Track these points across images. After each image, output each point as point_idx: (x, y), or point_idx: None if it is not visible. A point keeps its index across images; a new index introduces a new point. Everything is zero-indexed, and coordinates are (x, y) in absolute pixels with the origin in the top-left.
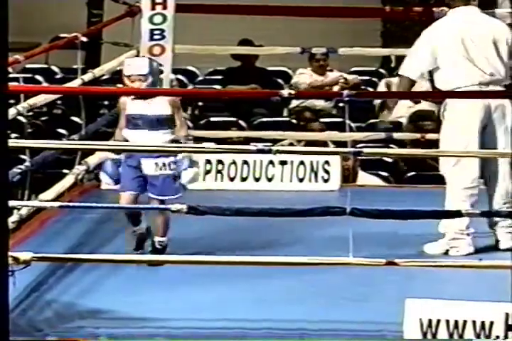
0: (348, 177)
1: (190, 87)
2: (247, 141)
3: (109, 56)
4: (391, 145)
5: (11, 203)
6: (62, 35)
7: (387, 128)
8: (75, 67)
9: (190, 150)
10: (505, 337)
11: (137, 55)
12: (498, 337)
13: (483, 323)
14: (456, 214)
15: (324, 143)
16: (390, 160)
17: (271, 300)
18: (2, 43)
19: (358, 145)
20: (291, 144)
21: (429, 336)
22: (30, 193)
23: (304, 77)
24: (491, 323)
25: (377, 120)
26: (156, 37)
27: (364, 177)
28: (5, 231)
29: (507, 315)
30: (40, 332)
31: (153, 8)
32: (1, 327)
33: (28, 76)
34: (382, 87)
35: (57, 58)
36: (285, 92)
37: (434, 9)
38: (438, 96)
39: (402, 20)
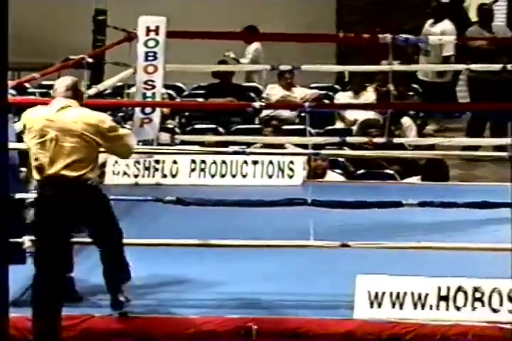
0: (319, 174)
1: (178, 99)
2: (225, 144)
3: (110, 74)
4: (344, 148)
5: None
6: (71, 56)
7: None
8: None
9: (179, 152)
10: (437, 306)
11: (134, 73)
12: (431, 306)
13: (419, 295)
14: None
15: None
16: (343, 159)
17: (245, 277)
18: (2, 63)
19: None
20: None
21: (375, 306)
22: None
23: (274, 91)
24: (426, 295)
25: (334, 127)
26: (149, 58)
27: (330, 175)
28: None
29: (439, 288)
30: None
31: (147, 34)
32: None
33: (43, 91)
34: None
35: (68, 75)
36: (257, 104)
37: (379, 35)
38: (383, 107)
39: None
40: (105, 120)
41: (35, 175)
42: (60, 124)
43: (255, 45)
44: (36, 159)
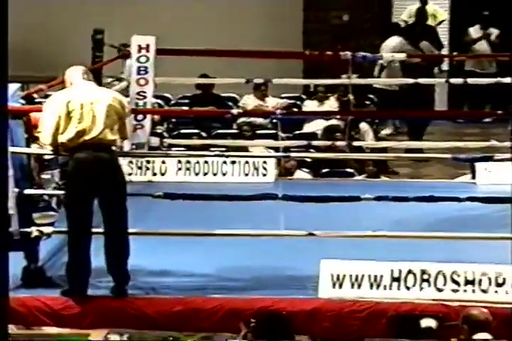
0: (289, 173)
1: (166, 107)
2: (207, 146)
3: (107, 86)
4: (311, 150)
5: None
6: None
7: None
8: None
9: (168, 155)
10: (390, 286)
11: (128, 86)
12: (385, 286)
13: (375, 277)
14: (356, 198)
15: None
16: (310, 160)
17: (224, 262)
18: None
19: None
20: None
21: (337, 286)
22: None
23: (249, 101)
24: (381, 276)
25: (301, 131)
26: (141, 72)
27: (299, 174)
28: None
29: (392, 270)
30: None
31: (139, 52)
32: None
33: None
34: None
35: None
36: (234, 112)
37: (340, 53)
38: (344, 114)
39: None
40: (123, 98)
41: (74, 141)
42: (93, 97)
43: None
44: (76, 127)
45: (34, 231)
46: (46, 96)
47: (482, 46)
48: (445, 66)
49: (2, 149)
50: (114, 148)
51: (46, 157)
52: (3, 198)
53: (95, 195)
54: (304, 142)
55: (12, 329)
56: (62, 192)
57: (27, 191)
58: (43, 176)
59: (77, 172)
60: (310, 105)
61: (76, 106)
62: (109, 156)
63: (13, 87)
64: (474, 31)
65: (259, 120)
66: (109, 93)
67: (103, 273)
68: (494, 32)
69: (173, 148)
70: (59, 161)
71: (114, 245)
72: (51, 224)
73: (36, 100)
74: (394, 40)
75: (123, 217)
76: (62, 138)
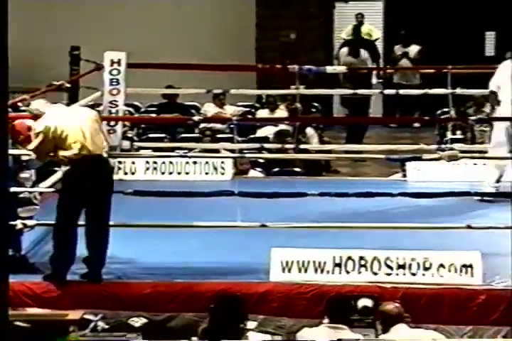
0: (244, 172)
1: (136, 115)
2: (172, 149)
3: (84, 96)
4: (263, 152)
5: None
6: (54, 82)
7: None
8: (62, 102)
9: (138, 156)
10: (333, 271)
11: (102, 95)
12: (328, 271)
13: (319, 263)
14: (303, 194)
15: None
16: (262, 160)
17: (187, 250)
18: (3, 86)
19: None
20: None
21: (286, 271)
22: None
23: (209, 109)
24: (324, 262)
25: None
26: (114, 83)
27: (253, 172)
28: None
29: (334, 257)
30: (41, 273)
31: (111, 65)
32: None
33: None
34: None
35: (51, 97)
36: (196, 118)
37: (289, 66)
38: (290, 120)
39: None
40: (94, 111)
41: (73, 153)
42: (75, 117)
43: None
44: (74, 143)
45: (19, 223)
46: (28, 105)
47: (403, 61)
48: (380, 78)
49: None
50: (104, 154)
51: (24, 158)
52: (3, 198)
53: (89, 197)
54: (257, 145)
55: None
56: (41, 189)
57: (12, 189)
58: (22, 175)
59: (78, 180)
60: (262, 113)
61: (65, 128)
62: (105, 165)
63: None
64: (397, 49)
65: (218, 125)
66: (85, 110)
67: (78, 261)
68: (415, 49)
69: (142, 150)
70: (34, 163)
71: (97, 237)
72: (32, 217)
73: (21, 108)
74: (342, 50)
75: (107, 212)
76: (65, 153)
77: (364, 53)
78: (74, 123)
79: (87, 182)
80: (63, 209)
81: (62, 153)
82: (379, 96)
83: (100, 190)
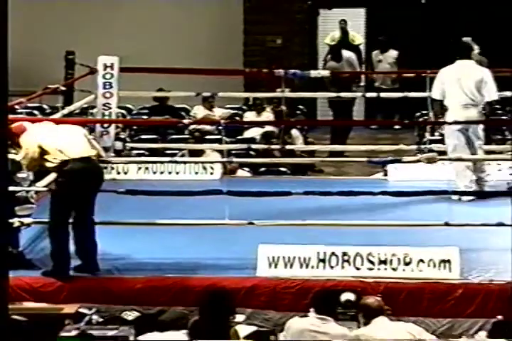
0: (233, 172)
1: (129, 117)
2: (164, 149)
3: (78, 98)
4: (250, 153)
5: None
6: (49, 85)
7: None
8: (57, 105)
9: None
10: (317, 266)
11: (95, 98)
12: (313, 266)
13: (304, 258)
14: (288, 193)
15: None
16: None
17: (178, 246)
18: (3, 91)
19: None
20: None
21: (272, 267)
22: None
23: (199, 111)
24: (309, 258)
25: (242, 136)
26: (107, 87)
27: (241, 172)
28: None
29: (318, 253)
30: (40, 269)
31: (105, 69)
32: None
33: (28, 111)
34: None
35: (46, 100)
36: (186, 121)
37: (275, 70)
38: (279, 123)
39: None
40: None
41: (69, 155)
42: (66, 131)
43: None
44: (54, 158)
45: (16, 221)
46: (26, 108)
47: (382, 66)
48: (362, 82)
49: (2, 153)
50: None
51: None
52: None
53: (78, 196)
54: (245, 146)
55: None
56: (37, 188)
57: (10, 188)
58: (19, 175)
59: (72, 181)
60: (250, 115)
61: (59, 141)
62: (92, 165)
63: None
64: (375, 54)
65: (207, 127)
66: (73, 127)
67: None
68: (393, 54)
69: (134, 151)
70: None
71: (87, 229)
72: (29, 216)
73: (18, 111)
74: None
75: (93, 206)
76: (50, 165)
77: (351, 55)
78: (58, 140)
79: (75, 185)
80: (56, 212)
81: (47, 164)
82: (361, 101)
83: (89, 189)
